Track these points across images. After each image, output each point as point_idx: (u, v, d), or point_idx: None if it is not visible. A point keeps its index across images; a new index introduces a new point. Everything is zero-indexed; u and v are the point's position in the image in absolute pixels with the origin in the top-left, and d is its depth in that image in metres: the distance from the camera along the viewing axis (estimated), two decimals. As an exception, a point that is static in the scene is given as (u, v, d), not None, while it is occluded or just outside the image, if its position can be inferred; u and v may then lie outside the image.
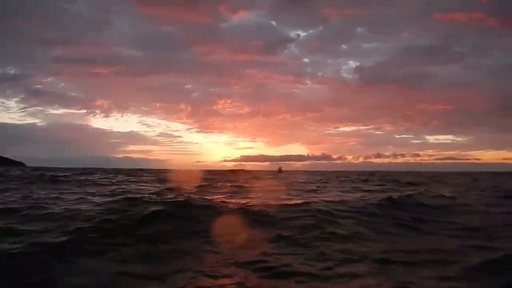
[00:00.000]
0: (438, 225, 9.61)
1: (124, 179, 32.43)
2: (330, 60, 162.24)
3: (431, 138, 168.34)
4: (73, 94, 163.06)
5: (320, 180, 35.42)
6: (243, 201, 12.62)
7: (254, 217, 9.47)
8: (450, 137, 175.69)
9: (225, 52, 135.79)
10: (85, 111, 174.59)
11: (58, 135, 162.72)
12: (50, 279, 4.85)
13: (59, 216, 9.58)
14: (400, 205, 11.98)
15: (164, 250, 6.61)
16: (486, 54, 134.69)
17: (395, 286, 4.76)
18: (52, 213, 9.93)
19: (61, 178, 28.18)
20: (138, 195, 13.47)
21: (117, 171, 61.10)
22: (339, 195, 17.61)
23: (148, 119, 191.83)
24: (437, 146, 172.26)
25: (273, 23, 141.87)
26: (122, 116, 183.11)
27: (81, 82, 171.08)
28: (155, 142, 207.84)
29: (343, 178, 40.44)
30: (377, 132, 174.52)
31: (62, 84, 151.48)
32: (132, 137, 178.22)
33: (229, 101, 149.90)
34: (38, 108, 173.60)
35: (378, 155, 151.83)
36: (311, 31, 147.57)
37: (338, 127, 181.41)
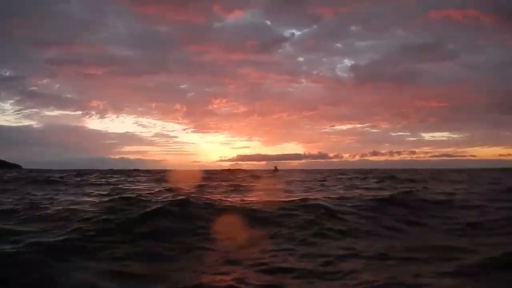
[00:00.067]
0: (438, 221, 9.62)
1: (120, 179, 32.34)
2: (325, 59, 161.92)
3: (427, 136, 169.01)
4: (68, 95, 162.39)
5: (318, 178, 35.45)
6: (242, 200, 12.60)
7: (253, 214, 9.46)
8: (446, 134, 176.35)
9: (220, 52, 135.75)
10: (80, 112, 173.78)
11: (54, 137, 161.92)
12: (49, 279, 4.81)
13: (56, 216, 9.52)
14: (399, 201, 11.96)
15: (163, 249, 6.57)
16: (481, 52, 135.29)
17: (391, 282, 4.73)
18: (49, 214, 9.87)
19: (58, 179, 28.07)
20: (135, 195, 13.39)
21: (114, 172, 60.91)
22: (338, 192, 17.63)
23: (144, 120, 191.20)
24: (433, 143, 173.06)
25: (268, 22, 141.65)
26: (117, 117, 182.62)
27: (76, 83, 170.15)
28: (151, 143, 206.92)
29: (340, 176, 40.51)
30: (373, 130, 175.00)
31: (57, 85, 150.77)
32: (128, 138, 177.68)
33: (224, 100, 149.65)
34: (34, 110, 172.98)
35: (375, 153, 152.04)
36: (306, 30, 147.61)
37: (334, 126, 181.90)
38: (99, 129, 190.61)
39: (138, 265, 5.70)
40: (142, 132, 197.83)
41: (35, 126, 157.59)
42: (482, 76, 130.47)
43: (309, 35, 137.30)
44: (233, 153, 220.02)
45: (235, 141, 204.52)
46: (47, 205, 11.56)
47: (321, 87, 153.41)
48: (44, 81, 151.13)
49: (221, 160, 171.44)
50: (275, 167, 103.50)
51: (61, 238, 6.46)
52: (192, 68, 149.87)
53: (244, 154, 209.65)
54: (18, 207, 11.22)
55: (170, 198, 12.21)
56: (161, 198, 13.49)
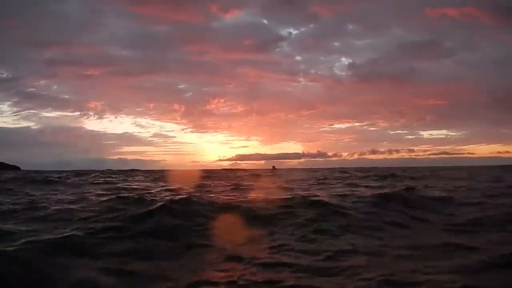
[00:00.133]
0: (439, 218, 9.64)
1: (119, 179, 32.25)
2: (323, 58, 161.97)
3: (425, 133, 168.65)
4: (66, 96, 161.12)
5: (317, 177, 35.44)
6: (243, 198, 12.56)
7: (254, 212, 9.45)
8: (444, 132, 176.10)
9: (217, 52, 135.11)
10: (78, 113, 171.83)
11: (52, 138, 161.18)
12: (48, 277, 4.78)
13: (55, 216, 9.48)
14: (401, 198, 11.94)
15: (164, 246, 6.56)
16: (478, 49, 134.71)
17: (389, 279, 4.69)
18: (48, 213, 9.83)
19: (56, 180, 27.99)
20: (135, 194, 13.34)
21: (113, 172, 60.86)
22: (338, 190, 17.59)
23: (142, 120, 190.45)
24: (431, 141, 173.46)
25: (265, 21, 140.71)
26: (115, 117, 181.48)
27: (74, 84, 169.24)
28: (149, 143, 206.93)
29: (340, 175, 40.52)
30: (371, 129, 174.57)
31: (55, 86, 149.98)
32: (126, 139, 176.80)
33: (222, 100, 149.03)
34: (32, 111, 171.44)
35: (373, 151, 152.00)
36: (303, 29, 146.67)
37: (332, 124, 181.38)
38: (98, 129, 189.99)
39: (139, 262, 5.67)
40: (140, 132, 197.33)
41: (33, 127, 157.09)
42: (479, 74, 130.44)
43: (307, 34, 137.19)
44: (232, 153, 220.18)
45: (233, 140, 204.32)
46: (46, 205, 11.51)
47: (319, 86, 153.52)
48: (42, 82, 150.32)
49: (220, 160, 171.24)
50: (273, 166, 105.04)
51: (61, 236, 6.40)
52: (190, 68, 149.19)
53: (243, 153, 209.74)
54: (16, 207, 11.18)
55: (171, 197, 12.17)
56: (161, 197, 13.43)
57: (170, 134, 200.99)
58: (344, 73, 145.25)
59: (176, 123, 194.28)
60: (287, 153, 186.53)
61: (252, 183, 24.98)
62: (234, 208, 9.86)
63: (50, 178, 28.80)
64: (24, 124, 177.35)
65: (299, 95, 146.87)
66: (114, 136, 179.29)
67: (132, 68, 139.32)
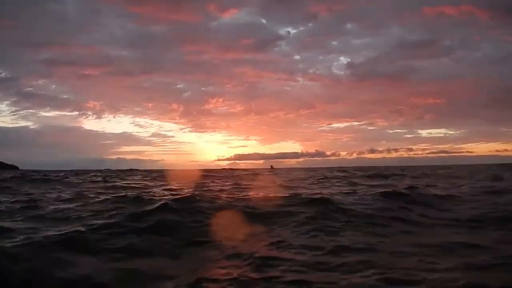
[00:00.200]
0: (442, 215, 9.57)
1: (118, 179, 32.18)
2: (321, 57, 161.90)
3: (423, 132, 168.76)
4: (65, 96, 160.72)
5: (316, 176, 35.42)
6: (244, 196, 12.52)
7: (255, 210, 9.42)
8: (443, 130, 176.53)
9: (215, 51, 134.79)
10: (77, 113, 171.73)
11: (50, 137, 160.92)
12: (47, 274, 4.72)
13: (55, 214, 9.43)
14: (403, 196, 11.89)
15: (164, 244, 6.52)
16: (476, 47, 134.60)
17: (387, 277, 4.63)
18: (47, 212, 9.78)
19: (55, 179, 27.91)
20: (135, 193, 13.29)
21: (111, 172, 60.80)
22: (339, 188, 17.57)
23: (141, 120, 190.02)
24: (430, 140, 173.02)
25: (263, 21, 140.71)
26: (114, 117, 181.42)
27: (72, 84, 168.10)
28: (148, 143, 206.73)
29: (339, 174, 40.50)
30: (370, 128, 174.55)
31: (53, 86, 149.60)
32: (125, 138, 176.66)
33: (221, 100, 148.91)
34: (30, 111, 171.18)
35: (372, 151, 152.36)
36: (301, 28, 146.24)
37: (331, 124, 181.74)
38: (96, 129, 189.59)
39: (139, 259, 5.64)
40: (139, 132, 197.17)
41: (32, 127, 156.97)
42: (478, 72, 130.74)
43: (305, 33, 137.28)
44: (231, 152, 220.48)
45: (232, 140, 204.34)
46: (44, 203, 11.47)
47: (318, 85, 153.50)
48: (40, 81, 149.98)
49: (218, 160, 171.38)
50: (271, 166, 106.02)
51: (59, 234, 6.34)
52: (189, 67, 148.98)
53: (242, 153, 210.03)
54: (15, 205, 11.12)
55: (170, 196, 12.11)
56: (160, 196, 13.38)
57: (169, 133, 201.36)
58: (342, 72, 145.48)
59: (175, 122, 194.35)
60: (286, 152, 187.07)
61: (252, 182, 24.95)
62: (235, 207, 9.82)
63: (48, 177, 28.74)
64: (23, 123, 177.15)
65: (297, 94, 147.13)
66: (112, 136, 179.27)
67: (130, 68, 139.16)
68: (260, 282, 4.59)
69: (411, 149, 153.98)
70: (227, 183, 23.47)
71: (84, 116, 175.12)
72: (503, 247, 6.09)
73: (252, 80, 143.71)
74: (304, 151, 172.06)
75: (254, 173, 46.60)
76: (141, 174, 45.91)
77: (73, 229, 6.75)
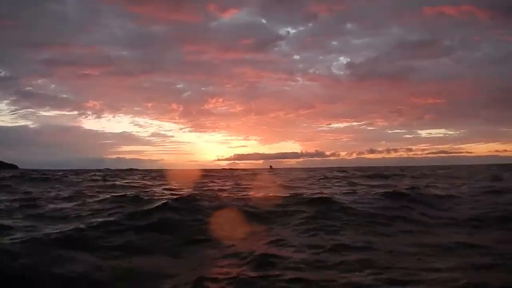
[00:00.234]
0: (441, 216, 9.54)
1: (118, 178, 32.14)
2: (321, 57, 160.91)
3: (423, 133, 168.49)
4: (64, 95, 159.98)
5: (316, 176, 35.39)
6: (244, 196, 12.52)
7: (256, 209, 9.44)
8: (442, 131, 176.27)
9: (215, 51, 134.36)
10: (76, 112, 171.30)
11: (50, 137, 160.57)
12: (44, 271, 4.69)
13: (53, 212, 9.41)
14: (404, 197, 11.85)
15: (164, 243, 6.52)
16: (476, 47, 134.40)
17: (386, 277, 4.62)
18: (46, 210, 9.77)
19: (54, 178, 27.87)
20: (133, 192, 13.27)
21: (111, 171, 60.76)
22: (340, 188, 17.56)
23: (141, 120, 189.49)
24: (429, 140, 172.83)
25: (263, 21, 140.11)
26: (114, 117, 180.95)
27: (72, 84, 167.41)
28: (148, 143, 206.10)
29: (339, 174, 40.45)
30: (369, 128, 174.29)
31: (53, 85, 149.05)
32: (125, 138, 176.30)
33: (221, 100, 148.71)
34: (30, 110, 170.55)
35: (372, 151, 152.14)
36: (301, 28, 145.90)
37: (330, 124, 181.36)
38: (96, 129, 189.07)
39: (138, 258, 5.62)
40: (138, 132, 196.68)
41: (31, 126, 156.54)
42: (477, 72, 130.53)
43: (305, 33, 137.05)
44: (230, 152, 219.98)
45: (232, 140, 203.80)
46: (43, 201, 11.45)
47: (318, 85, 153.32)
48: (40, 81, 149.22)
49: (218, 160, 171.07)
50: (270, 166, 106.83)
51: (59, 232, 6.34)
52: (188, 67, 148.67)
53: (241, 153, 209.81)
54: (14, 203, 11.10)
55: (171, 195, 12.10)
56: (160, 195, 13.36)
57: (169, 133, 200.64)
58: (342, 72, 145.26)
59: (175, 122, 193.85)
60: (286, 152, 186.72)
61: (251, 182, 24.93)
62: (234, 206, 9.80)
63: (47, 176, 28.70)
64: (22, 123, 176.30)
65: (297, 94, 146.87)
66: (112, 136, 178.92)
67: (130, 68, 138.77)
68: (260, 280, 4.57)
69: (410, 149, 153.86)
70: (226, 183, 23.45)
71: (84, 116, 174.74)
72: (503, 247, 6.09)
73: (252, 80, 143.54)
74: (303, 151, 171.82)
75: (253, 173, 46.59)
76: (140, 174, 45.85)
77: (72, 227, 6.74)
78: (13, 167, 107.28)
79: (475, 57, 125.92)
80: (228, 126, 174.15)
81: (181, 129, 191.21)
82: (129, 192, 13.22)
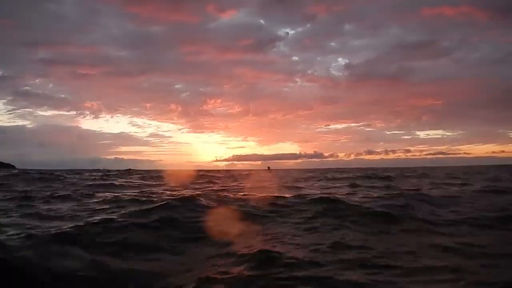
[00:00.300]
0: (440, 217, 9.49)
1: (115, 178, 32.03)
2: (319, 58, 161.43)
3: (421, 134, 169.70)
4: (62, 95, 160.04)
5: (316, 176, 35.37)
6: (244, 196, 12.48)
7: (253, 210, 9.39)
8: (440, 132, 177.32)
9: (214, 52, 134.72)
10: (74, 112, 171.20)
11: (48, 137, 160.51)
12: (42, 268, 4.62)
13: (50, 212, 9.33)
14: (402, 197, 11.81)
15: (164, 241, 6.46)
16: (474, 48, 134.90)
17: (381, 276, 4.60)
18: (43, 208, 9.69)
19: (51, 178, 27.75)
20: (131, 192, 13.19)
21: (109, 172, 60.67)
22: (341, 190, 17.52)
23: (139, 120, 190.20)
24: (427, 142, 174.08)
25: (262, 21, 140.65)
26: (112, 117, 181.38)
27: (69, 84, 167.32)
28: (146, 143, 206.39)
29: (339, 175, 40.43)
30: (368, 129, 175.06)
31: (51, 85, 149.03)
32: (123, 138, 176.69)
33: (219, 100, 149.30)
34: (27, 110, 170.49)
35: (370, 152, 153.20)
36: (300, 29, 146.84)
37: (329, 125, 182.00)
38: (94, 129, 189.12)
39: (136, 257, 5.57)
40: (137, 132, 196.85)
41: (29, 126, 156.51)
42: (476, 72, 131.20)
43: (303, 34, 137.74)
44: (229, 153, 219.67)
45: (230, 141, 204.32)
46: (41, 200, 11.36)
47: (316, 86, 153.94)
48: (37, 81, 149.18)
49: (216, 160, 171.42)
50: (268, 167, 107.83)
51: (55, 230, 6.28)
52: (187, 68, 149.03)
53: (240, 154, 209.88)
54: (11, 202, 11.02)
55: (171, 195, 12.03)
56: (159, 195, 13.29)
57: (167, 134, 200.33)
58: (341, 73, 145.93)
59: (173, 123, 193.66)
60: (284, 153, 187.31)
61: (250, 182, 24.88)
62: (234, 206, 9.75)
63: (44, 176, 28.58)
64: (19, 122, 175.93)
65: (296, 95, 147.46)
66: (110, 136, 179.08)
67: (128, 68, 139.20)
68: (259, 279, 4.52)
69: (408, 151, 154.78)
70: (225, 184, 23.41)
71: (82, 116, 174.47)
72: (503, 247, 6.05)
73: (251, 81, 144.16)
74: (302, 152, 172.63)
75: (251, 174, 46.60)
76: (138, 174, 45.76)
77: (70, 225, 6.70)
78: (10, 167, 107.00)
79: (474, 58, 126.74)
80: (226, 126, 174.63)
81: (179, 129, 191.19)
82: (127, 192, 13.14)
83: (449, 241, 6.53)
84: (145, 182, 25.61)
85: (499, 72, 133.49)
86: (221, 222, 7.79)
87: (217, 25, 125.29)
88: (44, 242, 5.41)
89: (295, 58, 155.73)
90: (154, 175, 37.51)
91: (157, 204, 8.95)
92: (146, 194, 13.02)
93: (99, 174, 41.82)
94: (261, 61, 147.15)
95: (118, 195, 12.34)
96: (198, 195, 11.08)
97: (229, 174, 46.38)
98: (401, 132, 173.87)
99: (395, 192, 12.71)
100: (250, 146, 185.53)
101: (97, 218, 7.47)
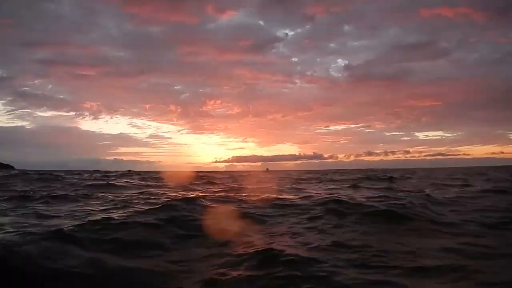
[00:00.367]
0: (440, 217, 9.43)
1: (117, 179, 31.99)
2: (318, 59, 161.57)
3: (421, 135, 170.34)
4: (61, 96, 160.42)
5: (316, 177, 35.34)
6: (244, 196, 12.44)
7: (252, 210, 9.32)
8: (440, 133, 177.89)
9: (213, 53, 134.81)
10: (74, 113, 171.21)
11: (47, 137, 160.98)
12: (48, 269, 4.55)
13: (48, 211, 9.28)
14: (402, 198, 11.77)
15: (163, 240, 6.40)
16: (473, 49, 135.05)
17: (382, 275, 4.55)
18: (45, 209, 9.66)
19: (50, 178, 27.73)
20: (131, 193, 13.14)
21: (108, 172, 60.65)
22: (338, 190, 17.47)
23: (138, 121, 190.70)
24: (427, 143, 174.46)
25: (261, 22, 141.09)
26: (111, 118, 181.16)
27: (69, 84, 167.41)
28: (145, 144, 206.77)
29: (340, 177, 40.41)
30: (367, 130, 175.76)
31: (50, 86, 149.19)
32: (122, 139, 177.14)
33: (219, 101, 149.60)
34: (26, 110, 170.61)
35: (369, 153, 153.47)
36: (299, 30, 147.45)
37: (328, 126, 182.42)
38: (93, 130, 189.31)
39: (136, 255, 5.51)
40: (136, 133, 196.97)
41: (28, 126, 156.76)
42: (474, 73, 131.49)
43: (303, 35, 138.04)
44: (228, 154, 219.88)
45: (230, 142, 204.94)
46: (39, 200, 11.32)
47: (315, 87, 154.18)
48: (36, 81, 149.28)
49: (216, 161, 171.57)
50: (266, 168, 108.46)
51: (54, 228, 6.21)
52: (186, 69, 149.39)
53: (239, 155, 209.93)
54: (9, 202, 10.98)
55: (171, 196, 11.99)
56: (158, 195, 13.25)
57: (166, 135, 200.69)
58: (340, 74, 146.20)
59: (173, 124, 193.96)
60: (284, 154, 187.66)
61: (249, 183, 24.85)
62: (233, 206, 9.72)
63: (43, 176, 28.56)
64: (19, 123, 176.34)
65: (295, 96, 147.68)
66: (110, 137, 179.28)
67: (128, 69, 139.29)
68: (260, 277, 4.49)
69: (408, 152, 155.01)
70: (225, 184, 23.37)
71: (81, 117, 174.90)
72: (506, 247, 6.01)
73: (250, 82, 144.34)
74: (301, 154, 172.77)
75: (249, 175, 46.63)
76: (137, 175, 45.75)
77: (69, 224, 6.66)
78: (9, 167, 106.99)
79: (473, 58, 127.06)
80: (226, 128, 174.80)
81: (179, 130, 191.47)
82: (127, 192, 13.09)
83: (451, 241, 6.50)
84: (145, 183, 25.57)
85: (499, 72, 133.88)
86: (221, 221, 7.75)
87: (217, 26, 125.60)
88: (43, 240, 5.36)
89: (294, 59, 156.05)
90: (154, 176, 37.46)
91: (158, 205, 8.90)
92: (146, 195, 12.98)
93: (98, 175, 41.80)
94: (260, 62, 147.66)
95: (118, 195, 12.31)
96: (198, 195, 11.04)
97: (229, 175, 46.42)
98: (400, 133, 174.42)
99: (397, 193, 12.66)
100: (250, 147, 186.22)
101: (97, 217, 7.42)
